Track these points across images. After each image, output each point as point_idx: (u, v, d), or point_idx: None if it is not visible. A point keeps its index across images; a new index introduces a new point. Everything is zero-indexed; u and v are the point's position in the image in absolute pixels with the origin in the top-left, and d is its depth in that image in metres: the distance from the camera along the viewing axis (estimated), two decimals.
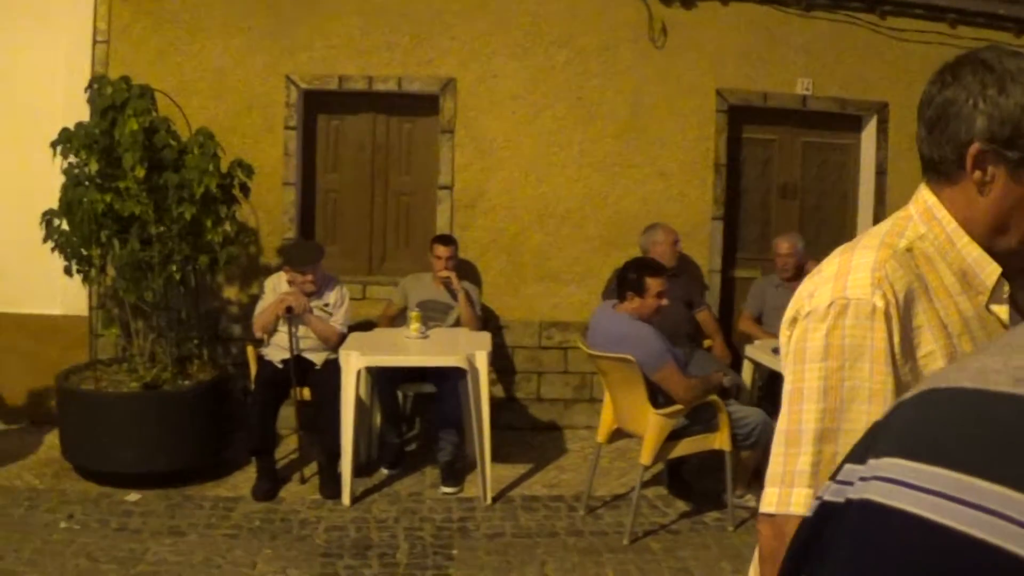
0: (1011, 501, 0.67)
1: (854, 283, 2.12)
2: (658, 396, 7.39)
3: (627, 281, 7.66)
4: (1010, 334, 0.80)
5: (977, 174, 2.11)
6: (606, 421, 7.95)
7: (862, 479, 0.79)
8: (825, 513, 0.82)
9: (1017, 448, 0.69)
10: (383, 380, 8.83)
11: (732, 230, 10.98)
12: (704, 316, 9.69)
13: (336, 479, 8.08)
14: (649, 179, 10.53)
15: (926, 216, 2.28)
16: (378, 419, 9.07)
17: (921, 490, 0.72)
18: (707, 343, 9.55)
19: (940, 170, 2.26)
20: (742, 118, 10.84)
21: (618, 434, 7.93)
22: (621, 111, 10.46)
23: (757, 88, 10.65)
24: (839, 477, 0.84)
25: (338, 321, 8.79)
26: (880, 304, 2.07)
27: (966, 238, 2.18)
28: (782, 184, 11.13)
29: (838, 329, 2.09)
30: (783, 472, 2.08)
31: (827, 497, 0.84)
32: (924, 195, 2.30)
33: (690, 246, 10.22)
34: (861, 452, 0.82)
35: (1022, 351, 0.77)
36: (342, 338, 8.65)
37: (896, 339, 2.04)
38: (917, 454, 0.74)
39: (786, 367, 2.20)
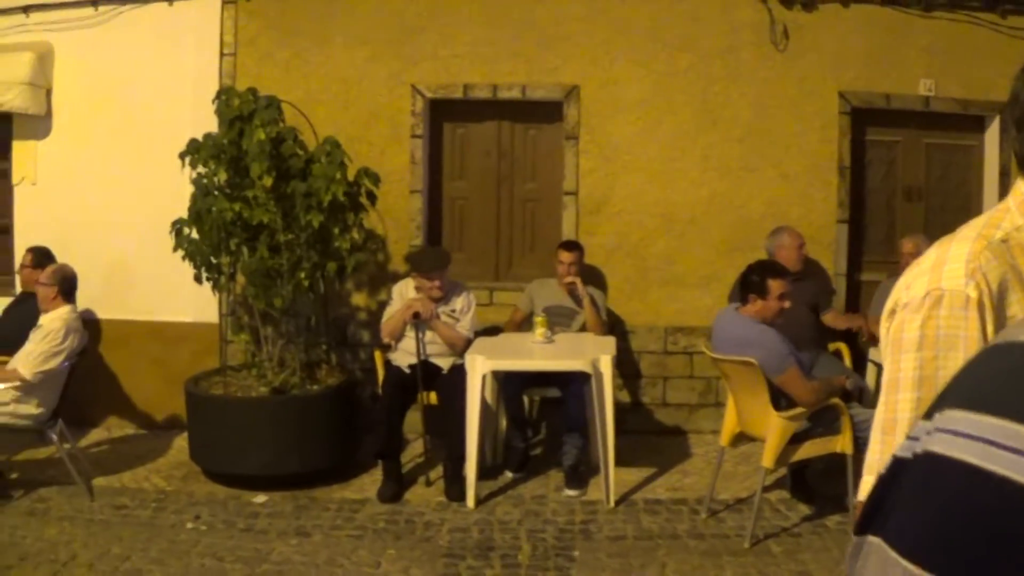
0: None
1: (949, 274, 2.09)
2: (780, 399, 7.28)
3: (750, 283, 7.57)
4: None
5: None
6: (729, 424, 7.85)
7: (927, 433, 0.82)
8: (896, 468, 0.85)
9: None
10: (509, 384, 8.82)
11: (857, 233, 10.74)
12: (832, 316, 9.54)
13: (461, 482, 8.07)
14: (773, 182, 10.37)
15: (1023, 208, 2.23)
16: (503, 423, 9.07)
17: (973, 438, 0.74)
18: (833, 346, 9.36)
19: None
20: (865, 120, 10.61)
21: (741, 438, 7.84)
22: (744, 115, 10.33)
23: (879, 90, 10.44)
24: (911, 434, 0.86)
25: (464, 326, 8.77)
26: (974, 294, 2.03)
27: None
28: (906, 186, 10.88)
29: (933, 319, 2.06)
30: (880, 460, 2.05)
31: (899, 453, 0.87)
32: (1021, 187, 2.26)
33: (815, 249, 10.05)
34: (931, 410, 0.85)
35: None
36: (468, 343, 8.63)
37: (990, 328, 1.97)
38: (972, 404, 0.77)
39: (884, 358, 2.18)
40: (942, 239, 2.27)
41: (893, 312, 2.22)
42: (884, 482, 0.86)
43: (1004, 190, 9.59)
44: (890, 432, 2.07)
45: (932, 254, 2.24)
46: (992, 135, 10.58)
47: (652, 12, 10.22)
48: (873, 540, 0.84)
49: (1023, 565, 0.67)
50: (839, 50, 10.29)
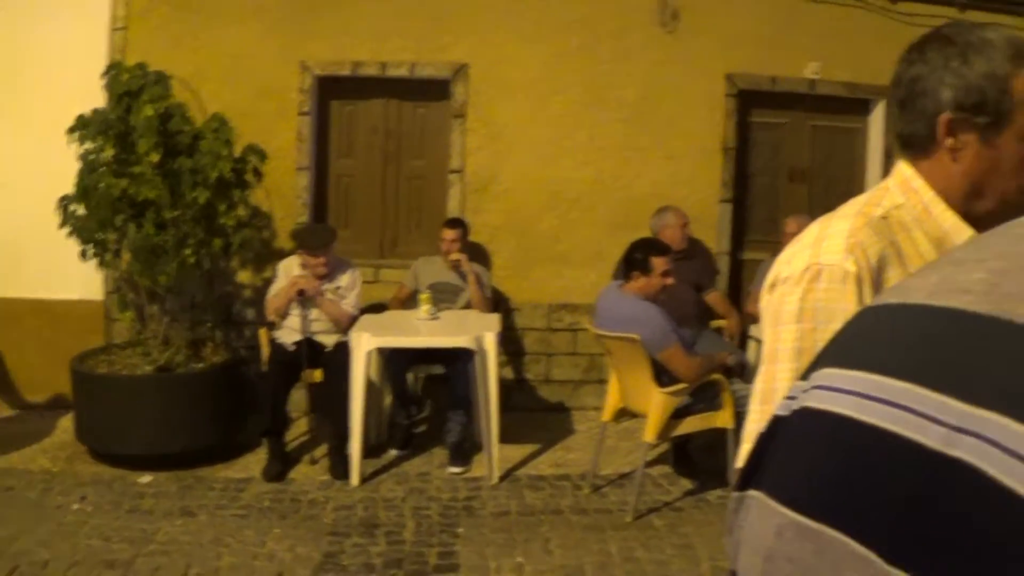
0: (915, 395, 0.75)
1: (828, 249, 2.24)
2: (663, 375, 7.52)
3: (633, 260, 7.82)
4: (939, 259, 0.88)
5: (949, 142, 2.24)
6: (611, 400, 8.10)
7: (804, 391, 0.88)
8: (775, 426, 0.91)
9: (921, 349, 0.78)
10: (393, 362, 8.96)
11: (741, 213, 11.11)
12: (714, 297, 9.81)
13: (345, 460, 8.20)
14: (659, 163, 10.64)
15: (904, 187, 2.40)
16: (388, 400, 9.21)
17: (846, 392, 0.80)
18: (715, 324, 9.67)
19: (915, 144, 2.39)
20: (751, 102, 10.95)
21: (624, 413, 8.07)
22: (631, 95, 10.58)
23: (767, 72, 10.76)
24: (789, 395, 0.92)
25: (349, 304, 8.93)
26: (852, 269, 2.19)
27: (942, 206, 2.29)
28: (791, 167, 11.24)
29: (812, 292, 2.21)
30: (758, 428, 2.06)
31: (778, 412, 0.92)
32: (902, 168, 2.43)
33: (699, 229, 10.31)
34: (807, 371, 0.92)
35: (940, 270, 0.84)
36: (353, 320, 8.78)
37: (867, 302, 2.15)
38: (845, 363, 0.83)
39: (764, 330, 2.33)
40: (824, 216, 2.43)
41: (774, 286, 2.38)
42: (763, 440, 0.93)
43: (887, 172, 9.99)
44: (768, 402, 2.20)
45: (813, 230, 2.41)
46: (877, 118, 10.94)
47: None
48: (753, 494, 0.90)
49: (895, 506, 0.75)
50: (727, 33, 10.60)
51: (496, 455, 8.31)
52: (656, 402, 7.48)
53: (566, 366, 10.69)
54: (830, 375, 0.84)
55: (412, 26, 10.29)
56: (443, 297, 9.38)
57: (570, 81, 10.52)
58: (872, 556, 0.72)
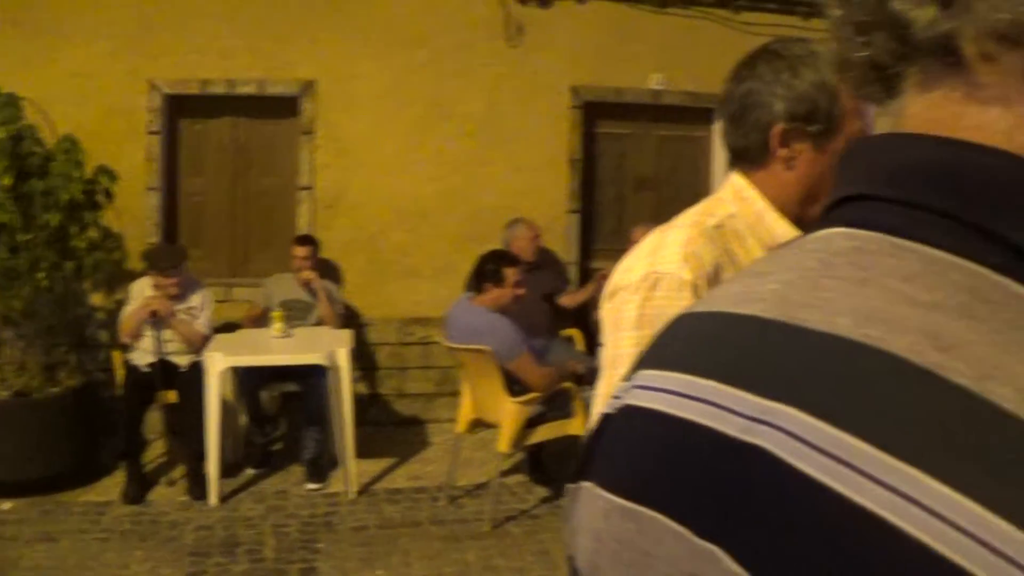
0: (718, 391, 0.83)
1: (665, 258, 2.39)
2: (514, 385, 7.78)
3: (485, 272, 8.06)
4: (742, 271, 0.97)
5: (783, 152, 2.42)
6: (465, 411, 8.34)
7: (625, 391, 0.95)
8: (602, 423, 0.96)
9: (723, 351, 0.85)
10: (247, 380, 9.13)
11: (589, 223, 11.47)
12: (568, 299, 10.26)
13: (203, 480, 8.33)
14: (506, 175, 10.97)
15: (737, 197, 2.56)
16: (243, 419, 9.36)
17: (661, 390, 0.88)
18: (565, 333, 10.00)
19: (748, 157, 2.57)
20: (597, 114, 11.33)
21: (478, 424, 8.32)
22: (477, 109, 10.89)
23: (611, 84, 11.13)
24: (615, 394, 0.98)
25: (202, 323, 9.04)
26: (688, 277, 2.33)
27: (775, 214, 2.45)
28: (637, 177, 11.65)
29: (650, 300, 2.35)
30: None
31: (605, 411, 0.99)
32: (734, 179, 2.59)
33: (548, 239, 10.67)
34: (629, 373, 1.00)
35: (742, 281, 0.92)
36: (206, 340, 8.90)
37: None
38: (660, 364, 0.92)
39: (605, 336, 2.47)
40: (661, 226, 2.57)
41: (614, 293, 2.51)
42: (593, 436, 0.99)
43: None
44: None
45: (651, 240, 2.54)
46: (720, 127, 11.33)
47: (389, 8, 10.67)
48: (585, 484, 0.96)
49: (702, 487, 0.83)
50: (571, 46, 10.95)
51: (353, 470, 8.54)
52: (508, 412, 7.74)
53: (419, 379, 10.95)
54: (648, 375, 0.92)
55: (260, 44, 10.45)
56: (295, 314, 9.53)
57: (416, 96, 10.78)
58: (685, 532, 0.80)
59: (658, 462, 0.86)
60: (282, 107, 10.70)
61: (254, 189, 10.92)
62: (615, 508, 0.89)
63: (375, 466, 9.22)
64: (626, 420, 0.92)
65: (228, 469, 8.79)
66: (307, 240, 9.89)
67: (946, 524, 0.62)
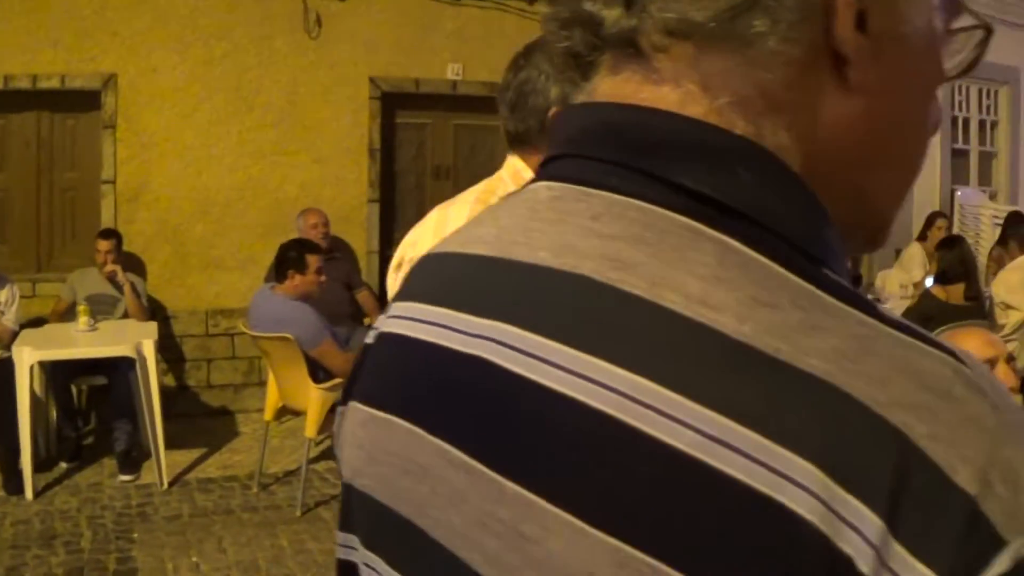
0: (444, 315, 0.95)
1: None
2: (319, 372, 8.11)
3: (288, 260, 8.36)
4: (467, 223, 1.07)
5: None
6: (272, 400, 8.62)
7: (382, 322, 1.07)
8: (363, 351, 1.08)
9: (451, 283, 0.98)
10: (56, 375, 9.22)
11: (389, 211, 11.92)
12: (364, 296, 10.53)
13: (18, 475, 8.41)
14: (307, 166, 11.36)
15: (515, 177, 2.79)
16: (54, 414, 9.42)
17: (404, 318, 1.01)
18: (369, 321, 10.25)
19: (525, 140, 2.80)
20: (396, 104, 11.79)
21: (285, 412, 8.65)
22: (278, 101, 11.24)
23: (410, 75, 11.53)
24: (374, 326, 1.09)
25: (10, 319, 9.15)
26: None
27: None
28: (436, 165, 12.14)
29: None
30: None
31: (366, 341, 1.10)
32: (513, 161, 2.85)
33: (349, 228, 11.13)
34: (386, 307, 1.10)
35: (467, 229, 1.03)
36: (14, 336, 8.98)
37: None
38: (405, 296, 1.03)
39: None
40: (443, 203, 2.84)
41: (399, 266, 2.75)
42: (356, 363, 1.10)
43: None
44: None
45: (434, 215, 2.81)
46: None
47: (190, 1, 10.90)
48: (348, 404, 1.07)
49: (433, 392, 0.95)
50: (370, 37, 11.37)
51: (164, 461, 8.73)
52: (314, 398, 8.06)
53: (226, 370, 11.21)
54: (397, 307, 1.04)
55: (62, 38, 10.50)
56: (101, 308, 9.67)
57: (217, 88, 11.06)
58: (419, 430, 0.94)
59: (398, 376, 1.01)
60: (84, 101, 10.78)
61: (58, 184, 11.03)
62: (370, 418, 1.02)
63: (186, 457, 9.44)
64: (378, 345, 1.05)
65: (42, 463, 8.96)
66: (110, 234, 10.03)
67: (610, 391, 0.78)
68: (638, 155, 0.87)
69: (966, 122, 17.88)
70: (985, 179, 18.28)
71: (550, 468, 0.82)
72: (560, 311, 0.85)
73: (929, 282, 10.20)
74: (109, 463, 9.23)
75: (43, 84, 10.59)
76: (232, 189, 11.16)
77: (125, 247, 10.26)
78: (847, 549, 0.70)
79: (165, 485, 8.77)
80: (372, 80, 11.51)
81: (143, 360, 8.68)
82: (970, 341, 3.48)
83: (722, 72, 0.87)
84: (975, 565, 0.70)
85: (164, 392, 9.11)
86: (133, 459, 9.08)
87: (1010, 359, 3.41)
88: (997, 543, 0.71)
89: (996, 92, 18.16)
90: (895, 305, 10.46)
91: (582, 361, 0.80)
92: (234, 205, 11.18)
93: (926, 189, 16.64)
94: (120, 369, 8.97)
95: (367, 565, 1.04)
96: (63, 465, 9.20)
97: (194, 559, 7.38)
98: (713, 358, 0.76)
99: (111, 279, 9.88)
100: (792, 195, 0.86)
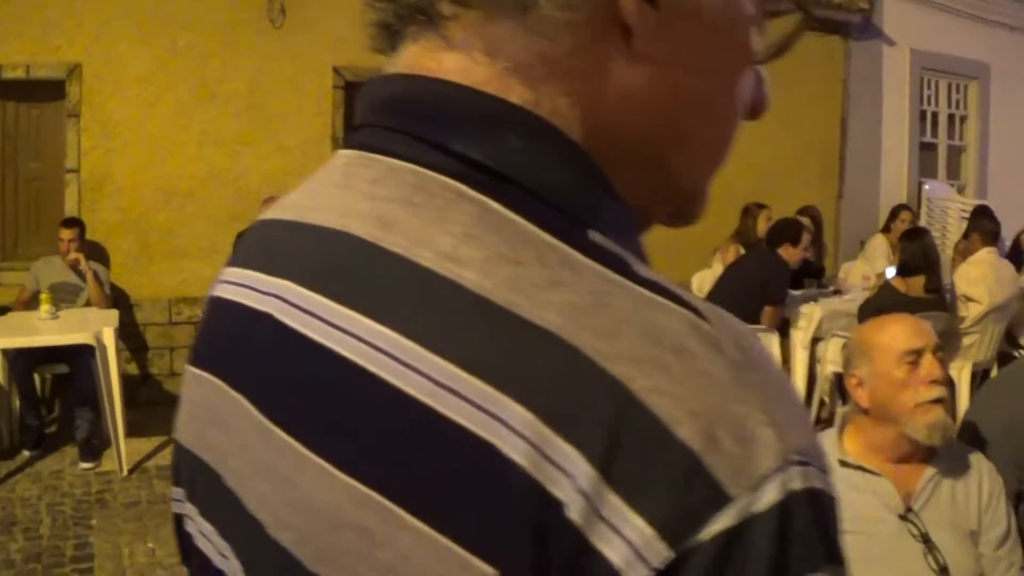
0: (248, 276, 1.01)
1: None
2: None
3: None
4: (283, 198, 1.09)
5: None
6: None
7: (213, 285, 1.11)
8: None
9: (254, 248, 1.05)
10: (18, 363, 9.29)
11: None
12: None
13: None
14: (270, 155, 11.48)
15: None
16: (17, 402, 9.50)
17: (224, 282, 1.06)
18: None
19: None
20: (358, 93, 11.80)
21: None
22: (241, 90, 11.37)
23: (374, 65, 11.55)
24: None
25: None
26: None
27: None
28: None
29: None
30: None
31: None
32: None
33: None
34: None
35: (290, 195, 1.06)
36: None
37: None
38: (229, 263, 1.09)
39: None
40: None
41: None
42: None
43: None
44: None
45: None
46: None
47: None
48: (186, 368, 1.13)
49: (235, 349, 1.01)
50: (335, 27, 11.37)
51: (123, 448, 8.86)
52: None
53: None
54: (222, 272, 1.09)
55: (27, 28, 10.57)
56: (64, 297, 9.81)
57: (181, 77, 11.18)
58: (224, 385, 0.99)
59: (211, 335, 1.08)
60: (49, 91, 10.88)
61: (23, 173, 11.13)
62: (192, 376, 1.08)
63: (148, 444, 9.55)
64: (205, 309, 1.10)
65: (5, 452, 9.15)
66: (73, 222, 10.15)
67: (361, 342, 0.84)
68: (419, 123, 0.92)
69: (935, 116, 18.14)
70: (954, 173, 18.53)
71: (310, 417, 0.88)
72: (331, 269, 0.91)
73: (891, 273, 10.35)
74: (71, 451, 9.36)
75: (8, 74, 10.68)
76: (195, 178, 11.29)
77: (89, 236, 10.38)
78: (558, 494, 0.74)
79: (125, 472, 8.90)
80: (336, 70, 11.66)
81: (103, 348, 8.79)
82: (896, 329, 3.55)
83: (504, 39, 0.90)
84: (694, 519, 0.73)
85: (127, 380, 9.23)
86: (94, 447, 9.21)
87: (938, 349, 3.52)
88: (720, 499, 0.73)
89: (965, 87, 18.39)
90: (857, 296, 10.65)
91: (342, 315, 0.87)
92: (197, 194, 11.29)
93: (893, 182, 16.90)
94: (82, 357, 9.05)
95: (188, 518, 1.10)
96: (25, 453, 9.32)
97: (150, 545, 7.52)
98: (453, 310, 0.81)
99: (74, 268, 10.01)
100: (561, 161, 0.90)
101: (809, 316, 10.24)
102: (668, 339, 0.77)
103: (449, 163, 0.88)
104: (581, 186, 0.90)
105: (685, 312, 0.80)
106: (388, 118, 0.96)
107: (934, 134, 18.11)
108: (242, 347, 1.00)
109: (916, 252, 9.82)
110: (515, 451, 0.75)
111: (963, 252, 12.04)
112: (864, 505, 3.37)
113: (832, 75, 15.85)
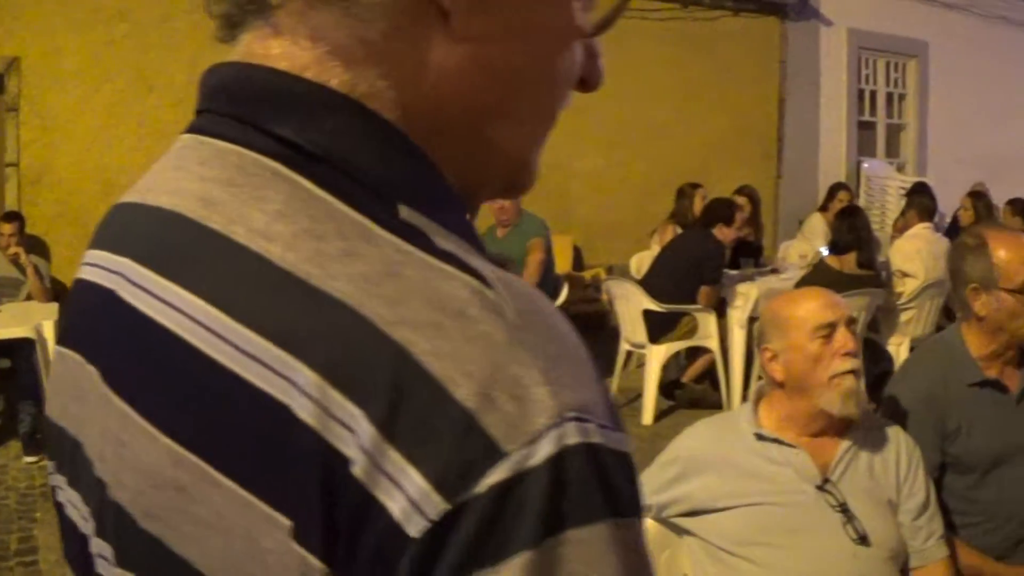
0: (99, 256, 1.06)
1: None
2: None
3: None
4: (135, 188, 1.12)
5: None
6: None
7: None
8: None
9: (110, 227, 1.09)
10: None
11: None
12: None
13: None
14: None
15: None
16: None
17: (85, 263, 1.10)
18: None
19: None
20: None
21: None
22: (179, 81, 11.31)
23: None
24: None
25: None
26: None
27: None
28: None
29: None
30: None
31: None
32: None
33: None
34: None
35: (142, 178, 1.11)
36: None
37: None
38: (90, 245, 1.12)
39: None
40: None
41: None
42: None
43: None
44: None
45: None
46: None
47: None
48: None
49: (84, 327, 1.06)
50: None
51: None
52: None
53: None
54: (85, 255, 1.11)
55: None
56: (4, 291, 9.79)
57: (119, 69, 11.23)
58: (80, 359, 1.04)
59: (73, 314, 1.13)
60: None
61: None
62: (59, 354, 1.12)
63: None
64: (71, 290, 1.14)
65: None
66: (12, 216, 10.14)
67: (181, 314, 0.90)
68: (245, 108, 0.97)
69: (873, 95, 18.28)
70: (893, 151, 18.70)
71: (140, 384, 0.94)
72: (161, 246, 0.97)
73: (826, 252, 10.49)
74: (15, 445, 9.33)
75: None
76: (134, 170, 10.77)
77: (28, 229, 10.36)
78: (345, 451, 0.80)
79: None
80: None
81: (44, 342, 8.80)
82: (809, 304, 3.58)
83: (327, 24, 0.94)
84: (469, 473, 0.78)
85: None
86: (38, 441, 9.12)
87: (850, 322, 3.59)
88: (495, 454, 0.78)
89: (904, 65, 18.56)
90: (793, 274, 10.75)
91: (167, 289, 0.93)
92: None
93: (832, 161, 17.05)
94: (24, 351, 9.03)
95: (60, 488, 1.13)
96: None
97: None
98: (258, 282, 0.87)
99: (14, 262, 9.99)
100: (372, 140, 0.95)
101: (746, 295, 10.31)
102: (451, 305, 0.83)
103: (270, 145, 0.94)
104: (392, 163, 0.95)
105: (471, 280, 0.85)
106: (220, 104, 1.01)
107: (872, 113, 18.30)
108: (94, 323, 1.05)
109: (846, 229, 10.00)
110: (305, 412, 0.81)
111: (901, 229, 12.16)
112: (782, 477, 3.45)
113: (769, 56, 16.05)
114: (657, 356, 10.07)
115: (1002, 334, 3.95)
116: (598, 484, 0.81)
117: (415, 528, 0.78)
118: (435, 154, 0.98)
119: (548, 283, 10.62)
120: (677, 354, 10.65)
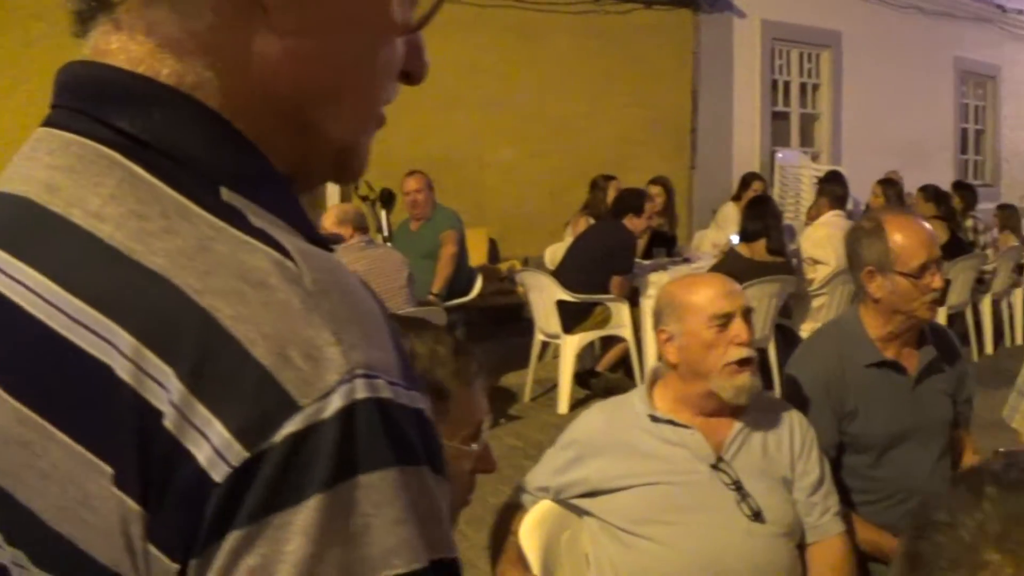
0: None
1: None
2: None
3: None
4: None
5: None
6: None
7: None
8: None
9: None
10: None
11: None
12: None
13: None
14: None
15: None
16: None
17: None
18: None
19: None
20: None
21: None
22: None
23: None
24: None
25: None
26: None
27: None
28: None
29: None
30: None
31: None
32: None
33: None
34: None
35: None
36: None
37: None
38: None
39: None
40: None
41: None
42: None
43: None
44: None
45: None
46: None
47: None
48: None
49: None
50: None
51: None
52: None
53: None
54: None
55: None
56: None
57: (35, 70, 10.88)
58: None
59: None
60: None
61: None
62: None
63: None
64: None
65: None
66: None
67: (24, 288, 0.98)
68: (88, 102, 1.05)
69: (787, 85, 18.52)
70: (808, 141, 18.96)
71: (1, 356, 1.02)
72: (13, 228, 1.04)
73: (735, 240, 10.73)
74: None
75: None
76: None
77: None
78: (157, 405, 0.90)
79: None
80: None
81: None
82: (708, 292, 3.64)
83: (161, 19, 1.02)
84: (267, 424, 0.88)
85: None
86: None
87: (747, 312, 3.67)
88: (290, 407, 0.88)
89: (818, 56, 18.82)
90: (706, 263, 10.91)
91: (16, 267, 1.01)
92: None
93: (746, 151, 17.27)
94: None
95: None
96: None
97: None
98: (89, 258, 0.96)
99: None
100: (196, 128, 1.03)
101: (658, 284, 10.25)
102: (254, 276, 0.93)
103: (108, 136, 1.01)
104: (215, 149, 1.03)
105: (275, 254, 0.95)
106: (68, 99, 1.08)
107: (786, 103, 18.55)
108: None
109: (755, 217, 10.25)
110: (123, 371, 0.91)
111: (813, 217, 12.34)
112: (676, 457, 3.55)
113: (682, 48, 16.19)
114: (571, 346, 10.22)
115: (898, 316, 4.06)
116: (386, 435, 0.92)
117: (219, 474, 0.88)
118: (261, 139, 1.06)
119: (462, 276, 10.83)
120: (591, 343, 10.83)
